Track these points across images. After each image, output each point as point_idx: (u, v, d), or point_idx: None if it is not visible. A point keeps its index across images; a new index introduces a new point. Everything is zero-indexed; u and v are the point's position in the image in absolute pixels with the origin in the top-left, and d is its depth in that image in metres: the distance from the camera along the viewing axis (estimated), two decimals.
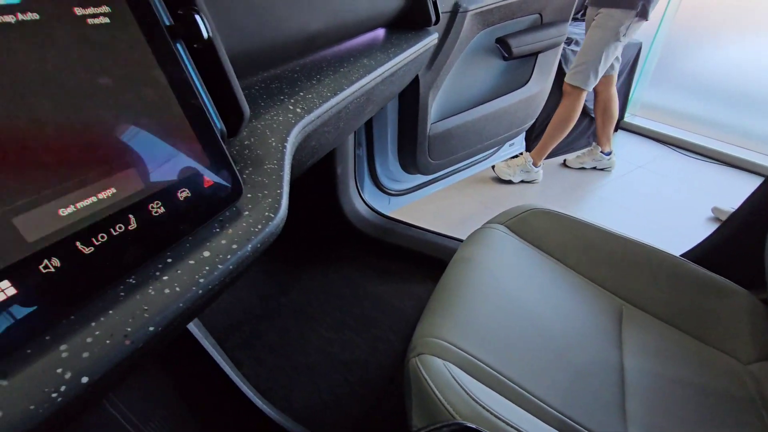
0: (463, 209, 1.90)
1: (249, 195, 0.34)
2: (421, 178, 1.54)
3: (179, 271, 0.27)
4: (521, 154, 2.09)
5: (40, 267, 0.21)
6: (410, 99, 1.17)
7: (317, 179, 1.13)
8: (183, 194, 0.28)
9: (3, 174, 0.20)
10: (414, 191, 1.57)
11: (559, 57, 1.59)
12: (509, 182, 2.11)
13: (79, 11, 0.23)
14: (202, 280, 0.27)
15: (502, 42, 1.33)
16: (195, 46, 0.31)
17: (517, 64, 1.45)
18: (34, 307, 0.21)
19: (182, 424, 0.59)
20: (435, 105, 1.27)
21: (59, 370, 0.21)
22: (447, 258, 0.75)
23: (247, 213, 0.32)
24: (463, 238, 0.79)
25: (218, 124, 0.33)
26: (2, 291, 0.20)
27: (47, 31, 0.22)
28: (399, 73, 0.69)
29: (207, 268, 0.28)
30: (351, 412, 0.78)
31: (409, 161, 1.32)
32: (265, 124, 0.41)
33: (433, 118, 1.29)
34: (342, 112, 0.52)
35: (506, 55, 1.35)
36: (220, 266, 0.28)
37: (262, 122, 0.41)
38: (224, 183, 0.31)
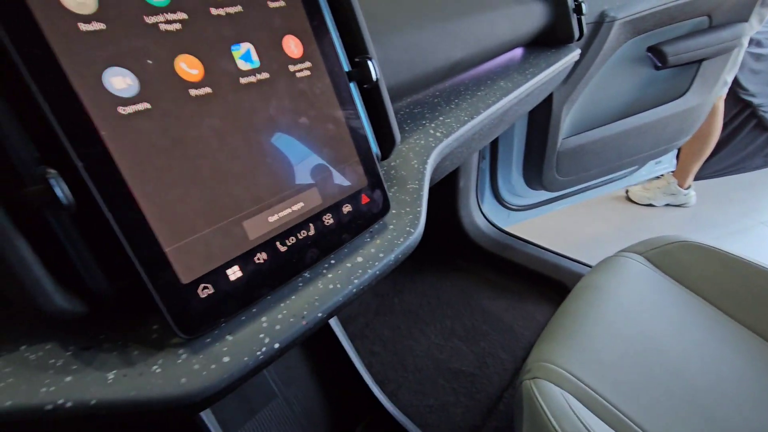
0: (590, 231, 1.75)
1: (394, 211, 0.39)
2: (545, 195, 1.47)
3: (340, 272, 0.33)
4: (662, 175, 1.84)
5: (255, 258, 0.29)
6: (541, 113, 1.14)
7: (439, 190, 1.17)
8: (346, 209, 0.34)
9: (240, 191, 0.28)
10: (536, 207, 1.51)
11: (729, 63, 1.36)
12: (649, 205, 1.87)
13: (291, 68, 0.31)
14: (356, 281, 0.33)
15: (654, 50, 1.20)
16: (365, 86, 0.37)
17: (671, 73, 1.30)
18: (252, 286, 0.28)
19: (312, 395, 0.69)
20: (568, 119, 1.21)
21: (261, 335, 0.28)
22: (568, 281, 0.72)
23: (392, 227, 0.38)
24: (586, 261, 0.75)
25: (375, 149, 0.39)
26: (233, 273, 0.28)
27: (273, 84, 0.30)
28: (535, 92, 0.69)
29: (360, 271, 0.34)
30: (456, 421, 0.80)
31: (534, 176, 1.28)
32: (409, 147, 0.46)
33: (565, 132, 1.23)
34: (476, 134, 0.55)
35: (659, 65, 1.22)
36: (369, 270, 0.34)
37: (406, 145, 0.46)
38: (377, 200, 0.37)
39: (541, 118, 1.15)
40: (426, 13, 0.53)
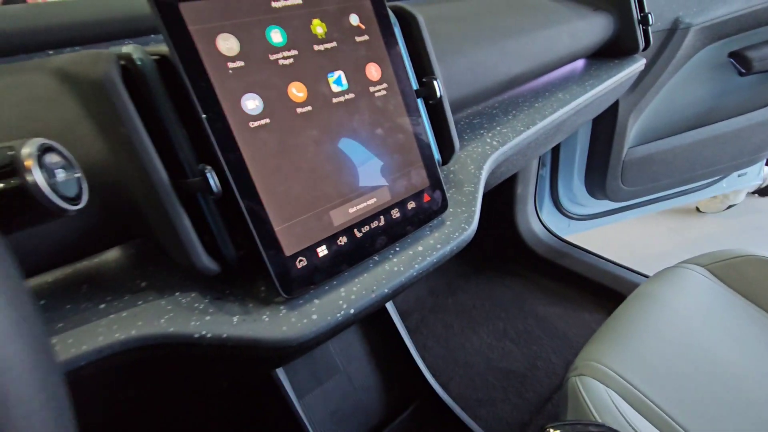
0: (655, 244, 1.67)
1: (451, 210, 0.45)
2: (608, 205, 1.44)
3: (403, 258, 0.40)
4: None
5: (338, 241, 0.36)
6: (606, 122, 1.13)
7: (496, 196, 1.20)
8: (410, 205, 0.41)
9: (329, 187, 0.36)
10: (598, 217, 1.47)
11: None
12: (729, 207, 1.74)
13: (371, 89, 0.38)
14: (416, 266, 0.39)
15: (738, 56, 1.14)
16: (430, 102, 0.44)
17: (756, 80, 1.22)
18: (335, 262, 0.36)
19: (369, 373, 0.76)
20: (635, 128, 1.18)
21: (340, 302, 0.35)
22: (627, 292, 0.73)
23: (449, 223, 0.44)
24: (650, 274, 0.75)
25: (437, 156, 0.45)
26: (321, 251, 0.35)
27: (357, 103, 0.37)
28: (594, 103, 0.72)
29: (420, 258, 0.40)
30: (503, 416, 0.83)
31: (597, 185, 1.26)
32: (467, 154, 0.52)
33: (632, 141, 1.20)
34: (532, 142, 0.60)
35: (743, 71, 1.15)
36: (428, 258, 0.40)
37: (464, 153, 0.52)
38: (437, 199, 0.43)
39: (605, 127, 1.13)
40: (487, 33, 0.58)
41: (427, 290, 1.18)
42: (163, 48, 0.31)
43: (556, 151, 1.27)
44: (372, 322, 0.82)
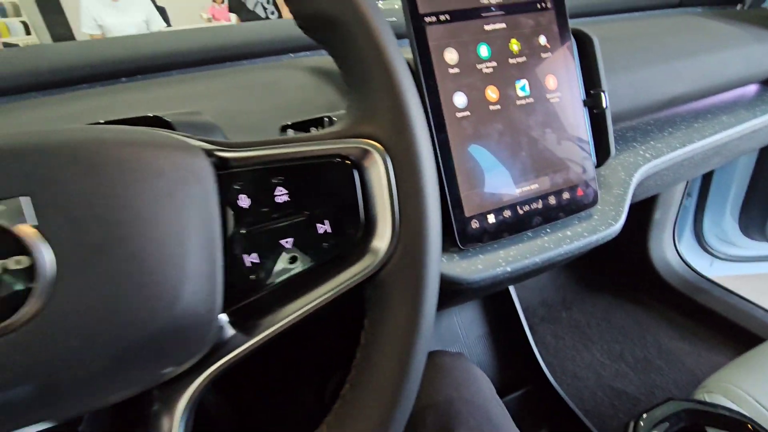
0: None
1: (599, 207, 0.51)
2: (766, 248, 1.28)
3: (553, 238, 0.47)
4: None
5: (503, 213, 0.45)
6: None
7: (630, 218, 1.17)
8: (565, 195, 0.48)
9: (501, 169, 0.45)
10: (753, 261, 1.31)
11: None
12: None
13: (548, 96, 0.47)
14: (564, 246, 0.46)
15: None
16: (594, 111, 0.50)
17: None
18: (499, 229, 0.45)
19: (486, 350, 0.84)
20: None
21: (500, 261, 0.44)
22: None
23: (596, 217, 0.50)
24: None
25: (593, 157, 0.52)
26: (491, 218, 0.45)
27: (535, 106, 0.46)
28: (764, 131, 0.69)
29: (568, 240, 0.47)
30: (610, 430, 0.83)
31: (755, 225, 1.14)
32: (618, 162, 0.57)
33: None
34: (686, 161, 0.61)
35: None
36: (574, 242, 0.47)
37: (616, 161, 0.57)
38: (588, 195, 0.49)
39: None
40: (653, 53, 0.62)
41: (539, 301, 1.20)
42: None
43: (706, 181, 1.19)
44: (495, 306, 0.89)
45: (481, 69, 0.44)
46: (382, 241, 0.20)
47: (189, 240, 0.17)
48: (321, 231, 0.19)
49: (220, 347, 0.20)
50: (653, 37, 0.64)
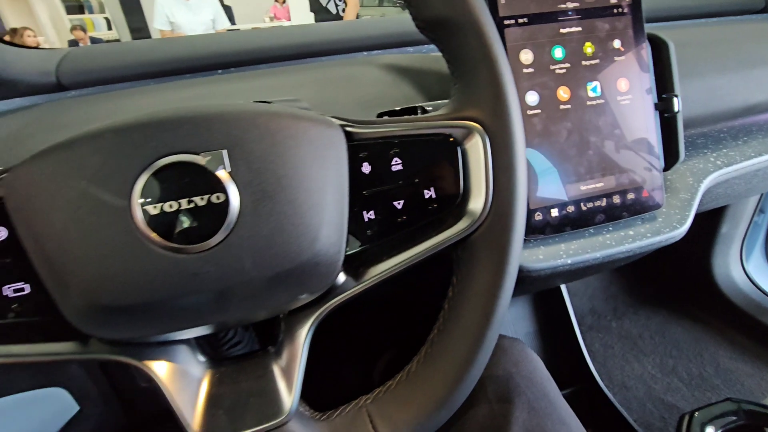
0: None
1: (664, 210, 0.51)
2: None
3: (615, 236, 0.49)
4: None
5: (567, 208, 0.47)
6: None
7: (694, 227, 1.12)
8: (630, 196, 0.49)
9: (567, 165, 0.47)
10: None
11: None
12: None
13: (618, 98, 0.48)
14: (625, 245, 0.48)
15: None
16: (665, 115, 0.51)
17: None
18: (562, 223, 0.47)
19: (534, 346, 0.85)
20: None
21: (560, 253, 0.46)
22: None
23: (660, 219, 0.50)
24: None
25: (661, 161, 0.52)
26: (554, 212, 0.47)
27: (605, 107, 0.48)
28: None
29: (630, 239, 0.48)
30: None
31: None
32: (687, 168, 0.57)
33: None
34: (761, 171, 0.60)
35: None
36: (637, 242, 0.48)
37: (684, 166, 0.57)
38: (653, 197, 0.50)
39: None
40: (730, 60, 0.61)
41: (588, 308, 1.18)
42: None
43: None
44: (545, 305, 0.90)
45: (554, 70, 0.46)
46: (476, 207, 0.24)
47: (327, 194, 0.22)
48: (426, 196, 0.23)
49: (334, 289, 0.25)
50: (732, 44, 0.63)
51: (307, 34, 0.80)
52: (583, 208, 0.48)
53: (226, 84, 0.58)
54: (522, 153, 0.24)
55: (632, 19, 0.49)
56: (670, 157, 0.53)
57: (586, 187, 0.48)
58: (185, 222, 0.19)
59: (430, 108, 0.35)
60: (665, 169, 0.54)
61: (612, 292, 1.21)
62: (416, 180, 0.23)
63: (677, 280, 1.19)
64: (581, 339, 0.83)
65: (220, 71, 0.69)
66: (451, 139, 0.24)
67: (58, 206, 0.19)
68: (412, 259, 0.24)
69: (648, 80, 0.49)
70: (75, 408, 0.64)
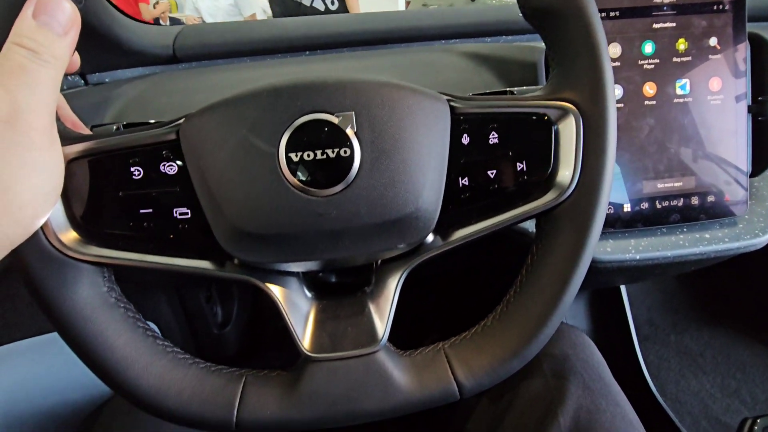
0: None
1: (746, 216, 0.50)
2: None
3: (689, 237, 0.48)
4: None
5: (641, 204, 0.47)
6: None
7: None
8: (710, 198, 0.48)
9: (645, 162, 0.47)
10: None
11: None
12: None
13: (708, 97, 0.47)
14: (699, 247, 0.47)
15: None
16: (759, 118, 0.49)
17: None
18: (633, 219, 0.47)
19: None
20: None
21: (629, 248, 0.47)
22: None
23: (741, 226, 0.49)
24: None
25: (749, 166, 0.51)
26: (626, 207, 0.47)
27: (692, 106, 0.47)
28: None
29: (705, 242, 0.47)
30: None
31: None
32: None
33: None
34: None
35: None
36: (713, 245, 0.47)
37: None
38: (735, 202, 0.49)
39: None
40: None
41: (646, 319, 1.14)
42: None
43: None
44: (603, 306, 0.88)
45: (642, 65, 0.46)
46: (564, 182, 0.26)
47: (432, 158, 0.25)
48: (518, 168, 0.26)
49: (423, 246, 0.28)
50: None
51: (389, 20, 0.83)
52: (658, 206, 0.48)
53: (313, 64, 0.63)
54: (613, 138, 0.26)
55: (733, 17, 0.47)
56: (760, 162, 0.51)
57: (663, 185, 0.48)
58: (317, 169, 0.23)
59: (519, 91, 0.37)
60: (752, 175, 0.52)
61: (674, 305, 1.16)
62: (510, 153, 0.26)
63: (748, 299, 1.11)
64: (638, 344, 0.82)
65: (307, 53, 0.75)
66: (546, 118, 0.26)
67: (221, 149, 0.24)
68: (496, 226, 0.27)
69: (744, 81, 0.48)
70: None
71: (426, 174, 0.25)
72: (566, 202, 0.26)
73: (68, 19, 0.22)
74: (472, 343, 0.27)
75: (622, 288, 0.87)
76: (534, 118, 0.26)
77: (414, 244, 0.27)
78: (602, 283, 0.81)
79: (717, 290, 1.15)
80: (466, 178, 0.26)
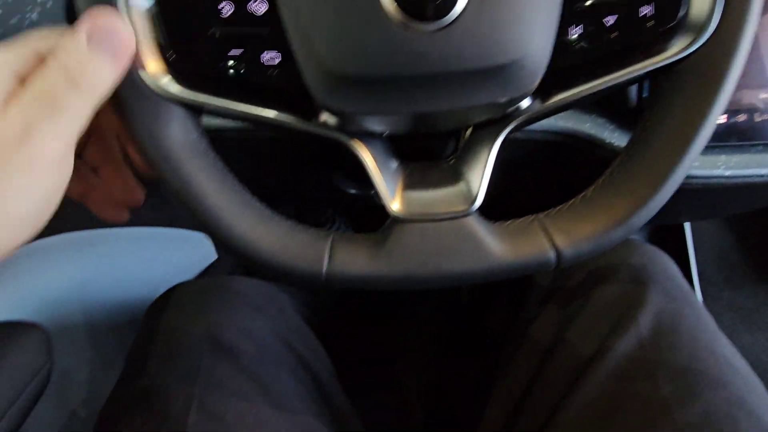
0: None
1: None
2: None
3: None
4: None
5: (738, 116, 0.43)
6: None
7: None
8: None
9: (752, 65, 0.42)
10: None
11: None
12: None
13: None
14: None
15: None
16: None
17: None
18: (727, 132, 0.43)
19: None
20: None
21: (719, 164, 0.43)
22: None
23: None
24: None
25: None
26: (721, 118, 0.43)
27: None
28: None
29: None
30: None
31: None
32: None
33: None
34: None
35: None
36: None
37: None
38: None
39: None
40: None
41: (697, 272, 1.09)
42: None
43: None
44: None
45: None
46: (698, 26, 0.22)
47: (543, 1, 0.22)
48: (642, 13, 0.23)
49: (519, 110, 0.26)
50: None
51: None
52: (757, 119, 0.43)
53: None
54: None
55: None
56: None
57: (766, 96, 0.43)
58: (421, 1, 0.21)
59: None
60: None
61: (731, 260, 1.10)
62: None
63: None
64: (699, 291, 0.78)
65: None
66: None
67: None
68: (603, 84, 0.24)
69: None
70: (214, 256, 0.76)
71: (536, 18, 0.22)
72: (695, 54, 0.23)
73: (124, 48, 0.21)
74: (570, 213, 0.25)
75: (688, 234, 0.82)
76: None
77: (514, 102, 0.25)
78: (672, 215, 0.76)
79: None
80: (580, 26, 0.23)
